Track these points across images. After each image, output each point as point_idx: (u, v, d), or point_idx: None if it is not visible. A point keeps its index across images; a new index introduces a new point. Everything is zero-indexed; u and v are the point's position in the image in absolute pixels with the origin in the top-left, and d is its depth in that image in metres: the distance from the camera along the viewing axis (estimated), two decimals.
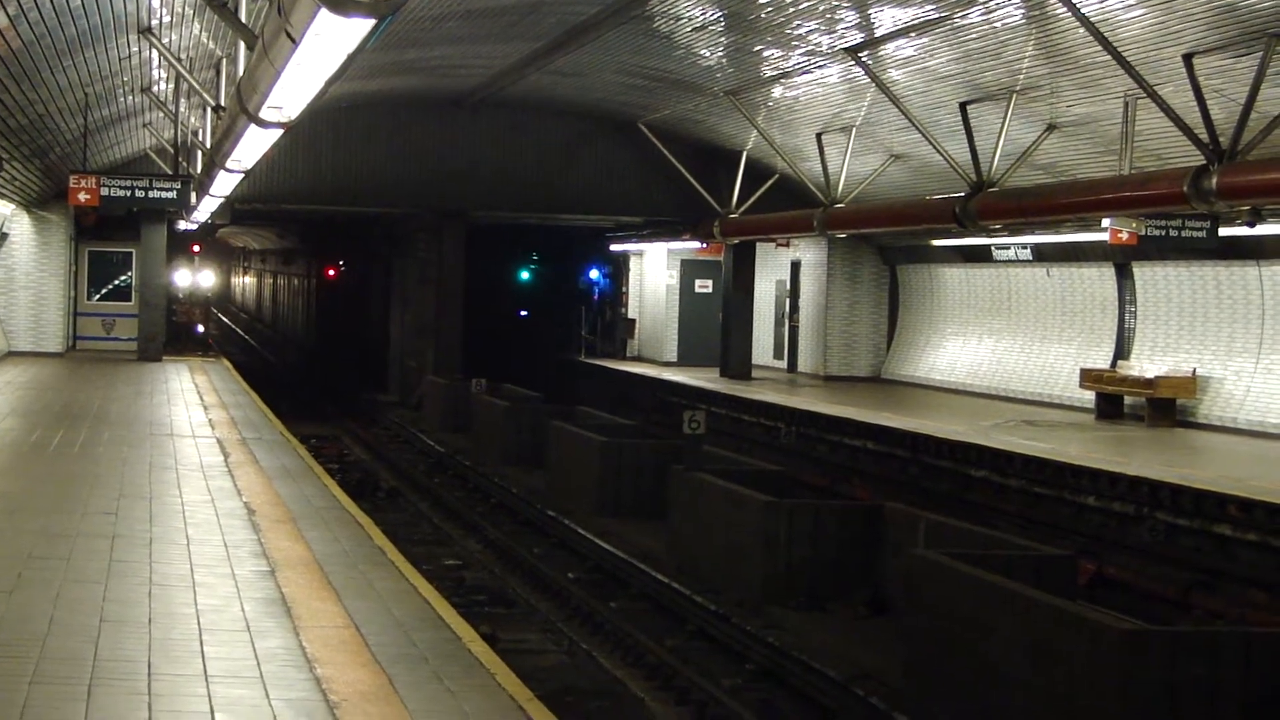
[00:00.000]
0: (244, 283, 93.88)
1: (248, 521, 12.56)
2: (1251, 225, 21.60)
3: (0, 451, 16.72)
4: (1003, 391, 30.39)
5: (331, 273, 53.98)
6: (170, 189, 23.64)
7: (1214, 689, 10.06)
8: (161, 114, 25.51)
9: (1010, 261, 30.10)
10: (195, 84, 20.61)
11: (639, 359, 41.39)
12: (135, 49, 19.06)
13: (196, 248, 51.07)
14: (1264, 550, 17.03)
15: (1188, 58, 17.01)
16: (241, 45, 15.02)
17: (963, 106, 22.03)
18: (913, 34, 20.19)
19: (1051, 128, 22.01)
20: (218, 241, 77.74)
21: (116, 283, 35.40)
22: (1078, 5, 16.38)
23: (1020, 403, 29.15)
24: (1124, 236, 20.91)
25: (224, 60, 19.97)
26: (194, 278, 52.29)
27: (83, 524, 12.03)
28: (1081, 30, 17.07)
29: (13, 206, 31.79)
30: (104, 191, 23.27)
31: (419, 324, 38.32)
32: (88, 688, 7.36)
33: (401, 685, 7.71)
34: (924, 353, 34.14)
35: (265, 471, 15.88)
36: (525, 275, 49.50)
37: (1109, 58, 17.02)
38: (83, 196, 23.30)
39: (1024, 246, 28.99)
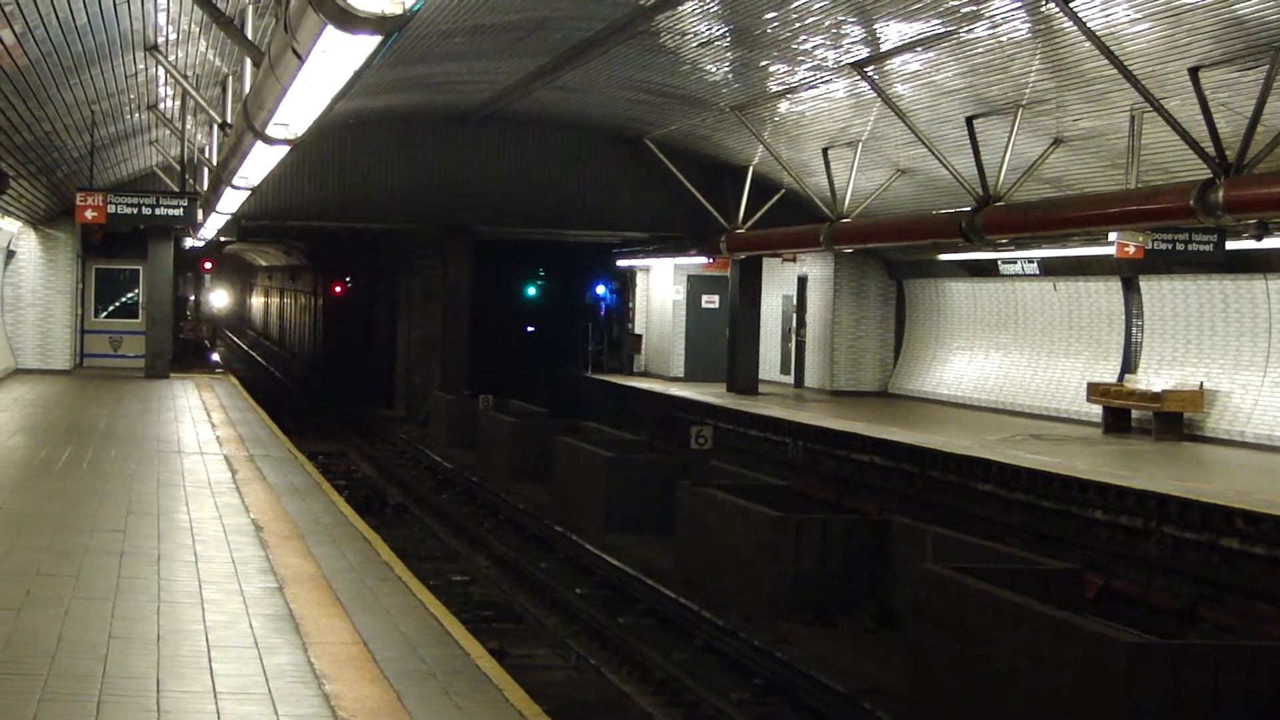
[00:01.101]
0: (258, 303, 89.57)
1: (256, 538, 12.57)
2: (1258, 239, 21.57)
3: (8, 469, 16.75)
4: (1009, 406, 30.38)
5: (338, 289, 54.00)
6: (177, 206, 23.65)
7: (1218, 701, 10.07)
8: (168, 131, 25.56)
9: (1017, 276, 30.08)
10: (202, 101, 20.65)
11: (646, 374, 41.41)
12: (142, 66, 19.10)
13: (209, 265, 50.18)
14: (1271, 563, 17.00)
15: (1194, 71, 17.02)
16: (248, 62, 15.07)
17: (969, 121, 22.04)
18: (919, 48, 20.21)
19: (1058, 142, 22.02)
20: (232, 258, 76.79)
21: (123, 300, 35.45)
22: (1084, 19, 16.40)
23: (1027, 417, 29.14)
24: (1131, 250, 20.90)
25: (230, 77, 20.02)
26: (205, 297, 51.50)
27: (91, 541, 12.04)
28: (1087, 44, 17.09)
29: (20, 224, 31.84)
30: (111, 209, 23.28)
31: (425, 340, 38.35)
32: (96, 704, 7.37)
33: (410, 701, 7.71)
34: (931, 367, 34.14)
35: (273, 488, 15.89)
36: (532, 291, 49.54)
37: (1115, 72, 17.03)
38: (89, 214, 23.31)
39: (1030, 261, 28.97)
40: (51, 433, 20.60)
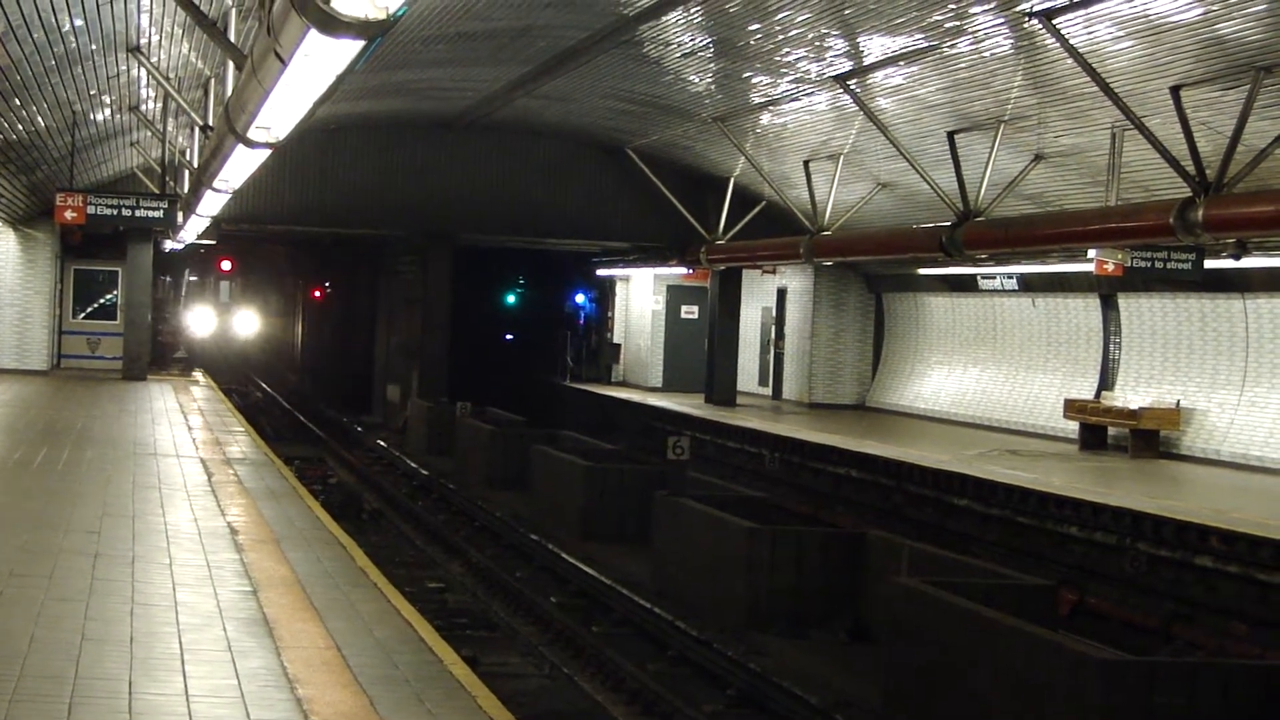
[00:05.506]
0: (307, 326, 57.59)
1: (231, 541, 12.54)
2: (1237, 258, 21.66)
3: None
4: (987, 421, 30.42)
5: (317, 294, 53.72)
6: (157, 208, 23.62)
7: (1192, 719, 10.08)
8: (149, 133, 25.51)
9: (996, 291, 30.15)
10: (183, 103, 20.61)
11: (624, 384, 41.39)
12: (124, 67, 19.06)
13: (227, 264, 43.04)
14: (1245, 582, 17.04)
15: (1175, 90, 17.06)
16: (230, 65, 15.03)
17: (950, 136, 22.07)
18: (901, 63, 20.23)
19: (1039, 158, 22.06)
20: (277, 258, 55.42)
21: (102, 301, 35.35)
22: (1066, 36, 16.44)
23: (1004, 432, 29.17)
24: (1109, 267, 20.95)
25: (212, 80, 19.97)
26: (225, 318, 42.87)
27: (65, 542, 12.00)
28: (1070, 61, 17.13)
29: None
30: (90, 210, 23.24)
31: (404, 346, 38.29)
32: (68, 706, 7.34)
33: (382, 707, 7.69)
34: (909, 381, 34.17)
35: (249, 492, 15.85)
36: (511, 299, 49.52)
37: (1097, 89, 17.07)
38: (69, 214, 23.27)
39: (1010, 276, 29.04)
40: (28, 433, 20.53)
